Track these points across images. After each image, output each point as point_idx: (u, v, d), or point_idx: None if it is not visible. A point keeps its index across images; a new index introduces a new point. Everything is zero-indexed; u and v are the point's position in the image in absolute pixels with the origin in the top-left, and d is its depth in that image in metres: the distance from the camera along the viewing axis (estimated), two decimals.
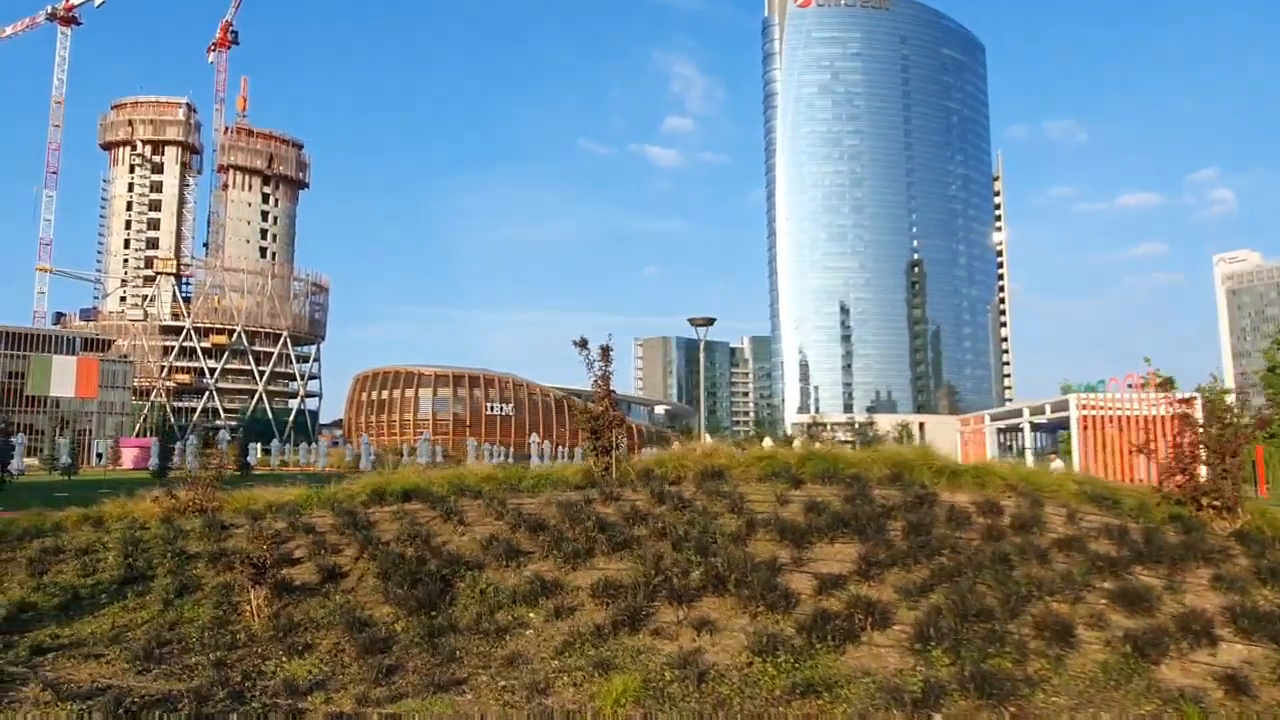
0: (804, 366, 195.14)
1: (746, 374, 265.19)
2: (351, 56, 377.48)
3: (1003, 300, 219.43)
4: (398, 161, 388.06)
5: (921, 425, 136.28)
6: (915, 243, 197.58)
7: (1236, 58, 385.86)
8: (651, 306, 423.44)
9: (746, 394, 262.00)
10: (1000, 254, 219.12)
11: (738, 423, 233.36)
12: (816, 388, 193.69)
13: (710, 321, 15.05)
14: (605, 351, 15.38)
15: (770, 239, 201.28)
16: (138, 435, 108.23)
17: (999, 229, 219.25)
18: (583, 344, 15.30)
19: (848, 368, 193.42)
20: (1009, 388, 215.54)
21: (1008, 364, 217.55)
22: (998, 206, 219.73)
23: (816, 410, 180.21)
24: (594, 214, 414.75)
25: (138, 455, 68.21)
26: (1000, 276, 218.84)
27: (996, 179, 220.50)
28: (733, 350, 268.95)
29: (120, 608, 10.77)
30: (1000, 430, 35.18)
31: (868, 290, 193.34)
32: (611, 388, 15.52)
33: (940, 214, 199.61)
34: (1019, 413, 38.23)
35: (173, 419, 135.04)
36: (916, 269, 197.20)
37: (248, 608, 10.37)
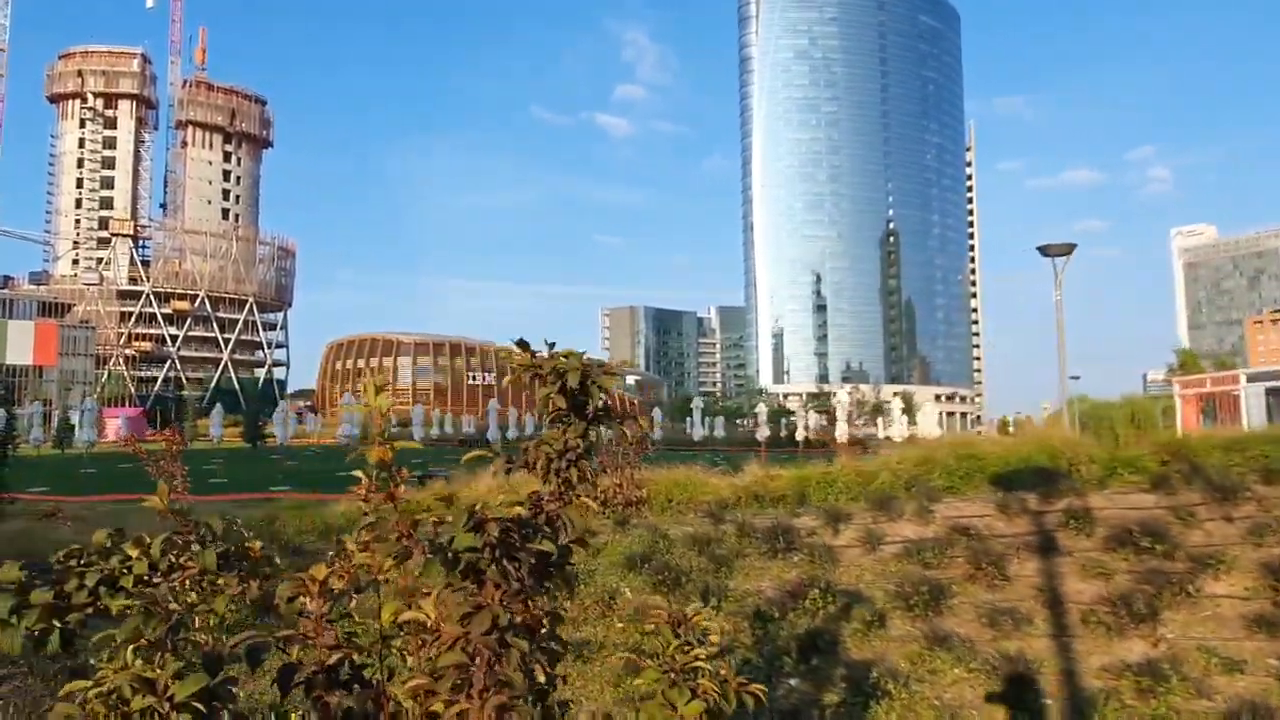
0: (778, 337, 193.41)
1: (713, 344, 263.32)
2: (310, 13, 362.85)
3: (973, 272, 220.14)
4: (351, 123, 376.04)
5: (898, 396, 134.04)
6: (891, 212, 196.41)
7: (1175, 40, 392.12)
8: (613, 277, 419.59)
9: (714, 364, 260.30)
10: (971, 225, 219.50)
11: (705, 393, 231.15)
12: (789, 358, 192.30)
13: (1071, 248, 12.31)
14: None
15: (745, 206, 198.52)
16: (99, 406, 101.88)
17: (970, 200, 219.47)
18: None
19: (822, 338, 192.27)
20: (978, 359, 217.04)
21: (977, 335, 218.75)
22: (969, 177, 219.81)
23: (788, 381, 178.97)
24: (551, 183, 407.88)
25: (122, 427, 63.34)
26: (971, 248, 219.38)
27: (969, 149, 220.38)
28: (699, 320, 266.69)
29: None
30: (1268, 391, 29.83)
31: (844, 260, 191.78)
32: None
33: (916, 183, 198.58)
34: None
35: (132, 389, 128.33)
36: (892, 239, 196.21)
37: None
